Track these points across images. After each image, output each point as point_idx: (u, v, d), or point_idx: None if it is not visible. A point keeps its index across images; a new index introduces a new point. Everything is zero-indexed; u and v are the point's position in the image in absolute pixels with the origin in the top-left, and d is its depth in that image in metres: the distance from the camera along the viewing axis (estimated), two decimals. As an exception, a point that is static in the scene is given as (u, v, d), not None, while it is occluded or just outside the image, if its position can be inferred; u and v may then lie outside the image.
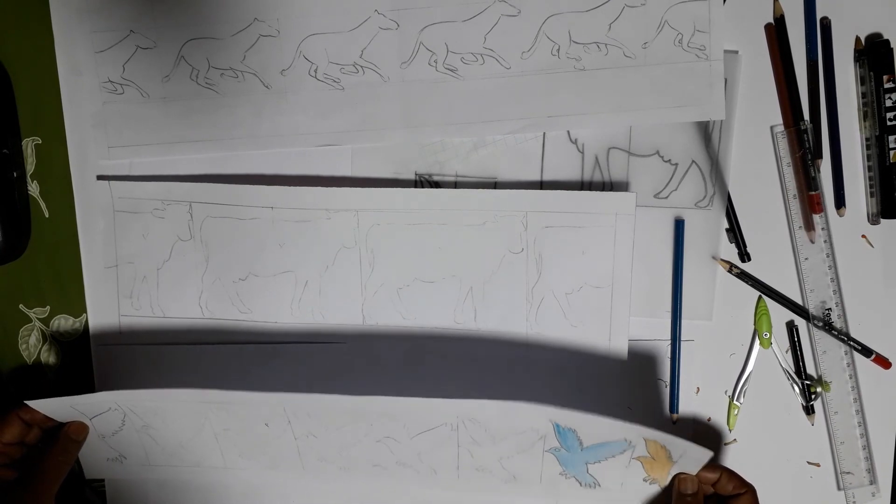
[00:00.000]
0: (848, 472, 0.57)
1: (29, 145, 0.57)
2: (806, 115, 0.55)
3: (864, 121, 0.55)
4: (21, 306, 0.58)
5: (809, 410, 0.57)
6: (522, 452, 0.53)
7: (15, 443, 0.52)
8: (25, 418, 0.52)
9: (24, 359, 0.58)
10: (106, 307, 0.57)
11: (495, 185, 0.56)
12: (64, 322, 0.58)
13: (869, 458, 0.57)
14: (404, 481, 0.56)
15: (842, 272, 0.56)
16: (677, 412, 0.56)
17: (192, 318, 0.57)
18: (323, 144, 0.55)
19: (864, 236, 0.56)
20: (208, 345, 0.57)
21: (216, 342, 0.57)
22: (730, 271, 0.56)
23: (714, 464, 0.51)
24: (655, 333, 0.56)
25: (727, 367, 0.57)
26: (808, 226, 0.55)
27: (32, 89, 0.56)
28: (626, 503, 0.54)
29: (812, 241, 0.55)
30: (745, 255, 0.56)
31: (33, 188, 0.57)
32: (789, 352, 0.57)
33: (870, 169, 0.55)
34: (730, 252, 0.56)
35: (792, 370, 0.57)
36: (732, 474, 0.50)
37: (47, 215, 0.57)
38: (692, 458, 0.50)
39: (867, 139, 0.55)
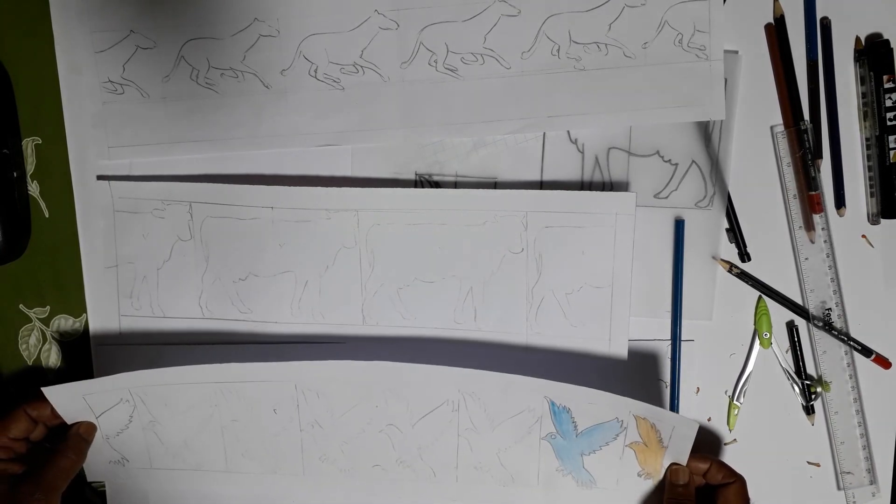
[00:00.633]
0: (848, 472, 0.57)
1: (29, 145, 0.57)
2: (806, 115, 0.55)
3: (864, 121, 0.55)
4: (21, 306, 0.58)
5: (809, 410, 0.57)
6: (520, 442, 0.53)
7: (21, 438, 0.52)
8: (32, 415, 0.52)
9: (24, 359, 0.59)
10: (106, 307, 0.57)
11: (495, 185, 0.56)
12: (64, 322, 0.58)
13: (869, 458, 0.57)
14: (403, 484, 0.56)
15: (842, 272, 0.56)
16: (678, 412, 0.56)
17: (192, 318, 0.57)
18: (323, 144, 0.55)
19: (864, 236, 0.56)
20: (208, 345, 0.57)
21: (216, 342, 0.57)
22: (730, 271, 0.56)
23: (704, 454, 0.52)
24: (655, 333, 0.56)
25: (727, 367, 0.57)
26: (808, 226, 0.55)
27: (32, 89, 0.56)
28: (621, 502, 0.54)
29: (812, 241, 0.55)
30: (745, 255, 0.56)
31: (33, 188, 0.57)
32: (789, 352, 0.57)
33: (870, 169, 0.55)
34: (730, 252, 0.56)
35: (792, 370, 0.57)
36: (722, 464, 0.52)
37: (47, 215, 0.57)
38: (681, 434, 0.51)
39: (867, 139, 0.55)
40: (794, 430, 0.57)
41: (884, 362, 0.56)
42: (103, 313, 0.57)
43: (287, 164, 0.56)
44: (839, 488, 0.57)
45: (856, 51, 0.55)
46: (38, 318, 0.58)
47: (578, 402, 0.52)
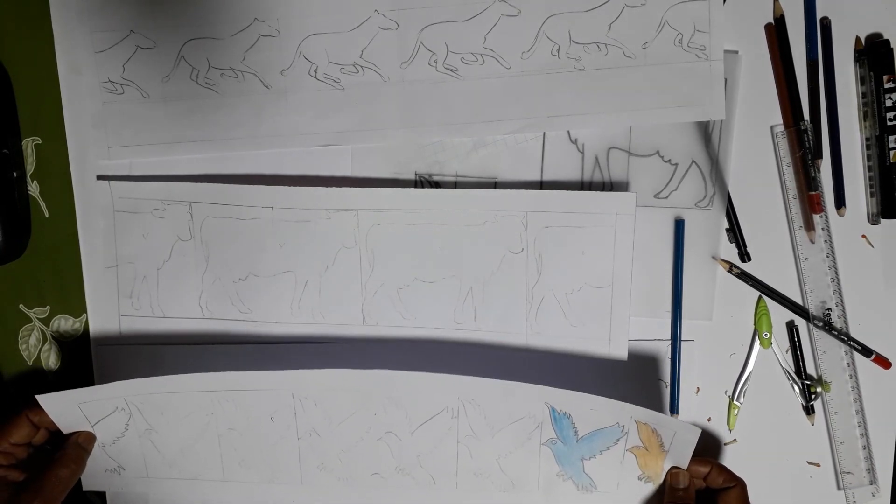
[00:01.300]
0: (848, 472, 0.57)
1: (29, 145, 0.57)
2: (806, 115, 0.55)
3: (864, 121, 0.55)
4: (21, 306, 0.58)
5: (809, 410, 0.57)
6: (520, 447, 0.53)
7: (23, 444, 0.52)
8: (34, 420, 0.52)
9: (24, 359, 0.58)
10: (106, 307, 0.57)
11: (495, 185, 0.56)
12: (64, 322, 0.58)
13: (869, 457, 0.57)
14: (403, 492, 0.56)
15: (842, 272, 0.56)
16: (678, 412, 0.56)
17: (192, 318, 0.57)
18: (323, 144, 0.55)
19: (864, 236, 0.56)
20: (208, 345, 0.57)
21: (216, 342, 0.57)
22: (730, 271, 0.56)
23: (705, 458, 0.52)
24: (655, 333, 0.56)
25: (727, 367, 0.57)
26: (808, 226, 0.55)
27: (32, 89, 0.56)
28: None
29: (812, 241, 0.55)
30: (745, 255, 0.56)
31: (33, 188, 0.57)
32: (789, 352, 0.57)
33: (870, 169, 0.55)
34: (730, 252, 0.56)
35: (792, 370, 0.57)
36: (722, 468, 0.51)
37: (47, 215, 0.57)
38: (682, 439, 0.50)
39: (867, 139, 0.55)
40: (794, 430, 0.57)
41: (884, 362, 0.56)
42: (103, 313, 0.57)
43: (287, 164, 0.56)
44: (839, 488, 0.57)
45: (856, 51, 0.55)
46: (38, 318, 0.58)
47: (579, 408, 0.51)
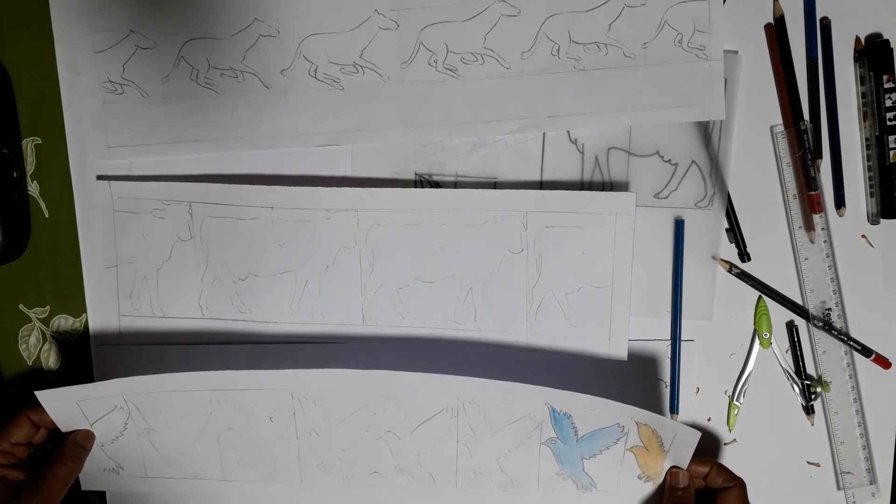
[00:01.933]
0: (848, 472, 0.57)
1: (29, 145, 0.57)
2: (806, 115, 0.55)
3: (864, 121, 0.55)
4: (21, 306, 0.58)
5: (809, 410, 0.57)
6: (519, 447, 0.53)
7: (23, 443, 0.52)
8: (34, 419, 0.52)
9: (24, 359, 0.58)
10: (106, 307, 0.57)
11: (495, 185, 0.56)
12: (64, 322, 0.58)
13: (869, 457, 0.57)
14: (402, 491, 0.56)
15: (842, 272, 0.56)
16: (678, 412, 0.56)
17: (192, 318, 0.57)
18: (323, 144, 0.55)
19: (863, 236, 0.56)
20: (208, 345, 0.57)
21: (216, 342, 0.57)
22: (730, 271, 0.56)
23: (704, 458, 0.52)
24: (655, 333, 0.56)
25: (727, 367, 0.57)
26: (808, 226, 0.55)
27: (32, 89, 0.56)
28: None
29: (812, 241, 0.55)
30: (745, 255, 0.56)
31: (33, 188, 0.57)
32: (789, 352, 0.57)
33: (870, 169, 0.55)
34: (730, 252, 0.56)
35: (792, 370, 0.57)
36: (722, 468, 0.51)
37: (47, 215, 0.57)
38: (682, 442, 0.51)
39: (867, 139, 0.55)
40: (794, 430, 0.57)
41: (884, 362, 0.56)
42: (103, 313, 0.57)
43: (287, 164, 0.56)
44: (839, 488, 0.57)
45: (856, 51, 0.55)
46: (37, 318, 0.58)
47: (579, 409, 0.51)
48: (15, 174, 0.55)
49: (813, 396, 0.57)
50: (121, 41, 0.55)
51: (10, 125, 0.56)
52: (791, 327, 0.57)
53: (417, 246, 0.55)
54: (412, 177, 0.56)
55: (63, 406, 0.52)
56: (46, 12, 0.55)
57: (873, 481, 0.57)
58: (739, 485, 0.51)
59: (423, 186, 0.56)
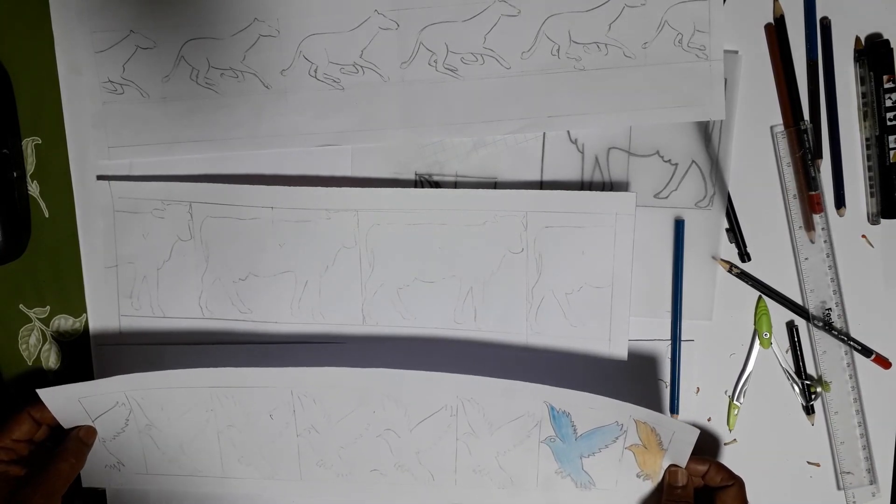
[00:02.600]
0: (848, 472, 0.57)
1: (29, 145, 0.57)
2: (806, 115, 0.55)
3: (864, 121, 0.55)
4: (21, 306, 0.58)
5: (809, 410, 0.57)
6: (519, 445, 0.53)
7: (24, 440, 0.52)
8: (36, 416, 0.52)
9: (24, 359, 0.59)
10: (106, 307, 0.57)
11: (495, 185, 0.56)
12: (64, 322, 0.58)
13: (869, 457, 0.57)
14: (402, 489, 0.56)
15: (842, 272, 0.56)
16: (678, 412, 0.56)
17: (192, 318, 0.57)
18: (323, 144, 0.55)
19: (864, 236, 0.56)
20: (208, 345, 0.57)
21: (216, 342, 0.57)
22: (730, 271, 0.56)
23: (703, 457, 0.52)
24: (655, 333, 0.56)
25: (727, 367, 0.57)
26: (808, 226, 0.55)
27: (32, 89, 0.56)
28: (620, 503, 0.54)
29: (812, 241, 0.55)
30: (745, 255, 0.56)
31: (33, 188, 0.57)
32: (789, 352, 0.57)
33: (870, 169, 0.55)
34: (730, 252, 0.56)
35: (792, 370, 0.57)
36: (721, 466, 0.52)
37: (47, 215, 0.57)
38: (681, 439, 0.51)
39: (867, 139, 0.55)
40: (794, 430, 0.57)
41: (884, 362, 0.56)
42: (103, 313, 0.57)
43: (287, 164, 0.56)
44: (839, 488, 0.57)
45: (856, 51, 0.55)
46: (38, 318, 0.58)
47: (578, 407, 0.52)
48: (15, 174, 0.55)
49: (813, 396, 0.57)
50: (121, 41, 0.55)
51: (10, 125, 0.56)
52: (791, 327, 0.57)
53: (417, 246, 0.55)
54: (412, 177, 0.56)
55: (65, 403, 0.52)
56: (46, 12, 0.55)
57: (873, 481, 0.57)
58: (738, 483, 0.51)
59: (423, 186, 0.56)
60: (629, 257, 0.54)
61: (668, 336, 0.56)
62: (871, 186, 0.55)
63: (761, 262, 0.56)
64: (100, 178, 0.56)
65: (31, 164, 0.57)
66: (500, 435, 0.54)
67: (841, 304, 0.56)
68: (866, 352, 0.56)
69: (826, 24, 0.54)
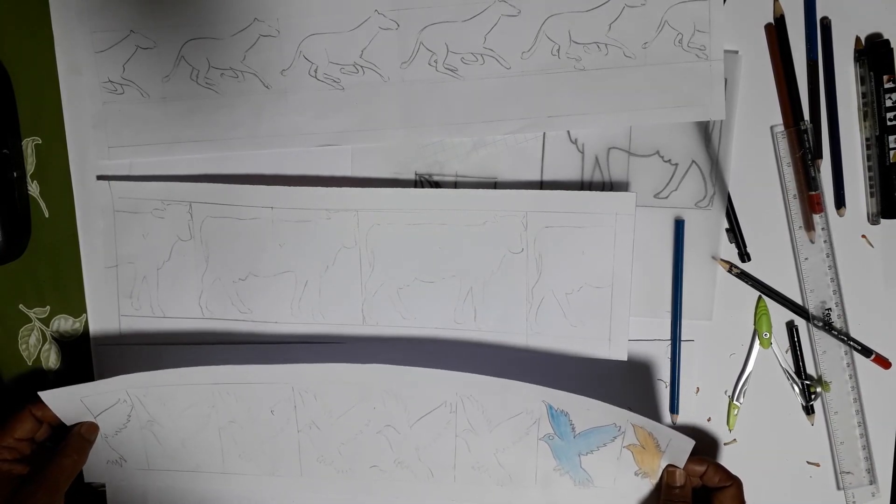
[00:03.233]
0: (848, 472, 0.57)
1: (29, 145, 0.57)
2: (806, 115, 0.55)
3: (864, 121, 0.55)
4: (21, 306, 0.58)
5: (809, 410, 0.57)
6: (517, 442, 0.53)
7: (26, 439, 0.52)
8: (37, 415, 0.52)
9: (24, 359, 0.59)
10: (106, 307, 0.57)
11: (495, 185, 0.56)
12: (64, 322, 0.58)
13: (869, 457, 0.57)
14: (402, 485, 0.56)
15: (842, 272, 0.56)
16: (677, 412, 0.56)
17: (192, 319, 0.57)
18: (323, 144, 0.55)
19: (864, 236, 0.56)
20: (208, 345, 0.57)
21: (216, 342, 0.57)
22: (730, 271, 0.56)
23: (701, 457, 0.52)
24: (655, 333, 0.56)
25: (727, 368, 0.57)
26: (808, 226, 0.55)
27: (32, 89, 0.56)
28: (619, 500, 0.54)
29: (812, 241, 0.55)
30: (745, 255, 0.56)
31: (33, 188, 0.57)
32: (789, 352, 0.57)
33: (870, 169, 0.55)
34: (730, 252, 0.56)
35: (792, 370, 0.57)
36: (719, 467, 0.51)
37: (47, 215, 0.57)
38: (677, 447, 0.51)
39: (867, 139, 0.55)
40: (794, 430, 0.57)
41: (884, 362, 0.56)
42: (103, 313, 0.57)
43: (287, 164, 0.56)
44: (839, 488, 0.57)
45: (856, 51, 0.55)
46: (37, 318, 0.58)
47: (576, 408, 0.52)
48: (15, 174, 0.55)
49: (813, 396, 0.57)
50: (121, 41, 0.55)
51: (10, 125, 0.56)
52: (791, 327, 0.57)
53: (417, 246, 0.55)
54: (412, 177, 0.56)
55: (66, 403, 0.52)
56: (46, 12, 0.55)
57: (873, 481, 0.57)
58: (736, 484, 0.51)
59: (423, 186, 0.56)
60: (629, 257, 0.54)
61: (668, 336, 0.56)
62: (871, 186, 0.55)
63: (761, 262, 0.56)
64: (100, 178, 0.56)
65: (31, 164, 0.57)
66: (498, 432, 0.54)
67: (841, 304, 0.56)
68: (866, 352, 0.56)
69: (826, 24, 0.54)
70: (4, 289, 0.58)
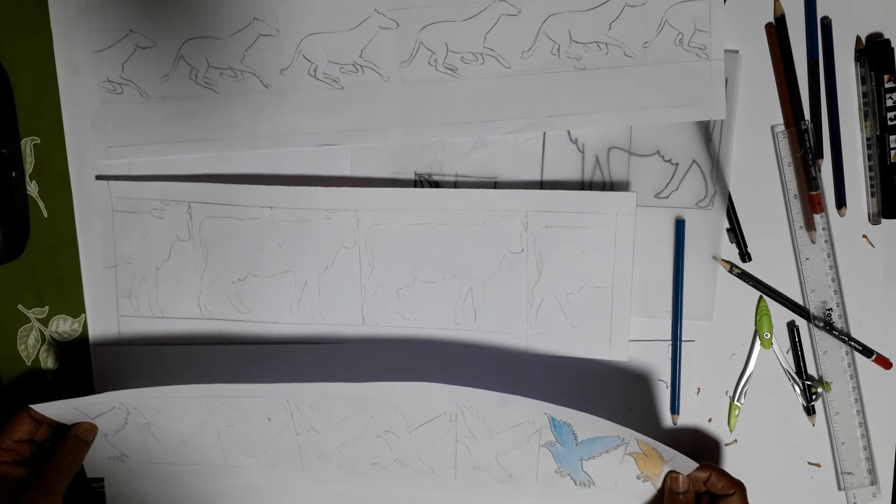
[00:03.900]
0: (849, 473, 0.57)
1: (28, 145, 0.56)
2: (807, 115, 0.55)
3: (865, 120, 0.55)
4: (20, 307, 0.58)
5: (810, 411, 0.57)
6: (519, 447, 0.53)
7: (25, 440, 0.52)
8: (36, 416, 0.52)
9: (22, 359, 0.58)
10: (105, 307, 0.57)
11: (495, 185, 0.56)
12: (63, 322, 0.58)
13: (870, 458, 0.57)
14: (402, 481, 0.56)
15: (842, 272, 0.56)
16: (678, 413, 0.56)
17: (191, 319, 0.57)
18: (322, 144, 0.55)
19: (864, 236, 0.56)
20: (207, 345, 0.57)
21: (215, 342, 0.57)
22: (730, 271, 0.55)
23: (705, 463, 0.52)
24: (656, 334, 0.56)
25: (728, 368, 0.57)
26: (809, 226, 0.55)
27: (31, 89, 0.56)
28: (620, 501, 0.54)
29: (813, 241, 0.55)
30: (745, 255, 0.56)
31: (32, 188, 0.57)
32: (790, 352, 0.57)
33: (870, 169, 0.55)
34: (730, 252, 0.56)
35: (793, 370, 0.57)
36: (722, 473, 0.51)
37: (46, 215, 0.57)
38: (680, 464, 0.51)
39: (868, 139, 0.55)
40: (795, 431, 0.57)
41: (885, 362, 0.56)
42: (102, 314, 0.57)
43: (286, 164, 0.56)
44: (840, 489, 0.57)
45: (856, 50, 0.55)
46: (36, 319, 0.58)
47: (579, 421, 0.51)
48: (14, 174, 0.55)
49: (814, 397, 0.57)
50: (120, 41, 0.54)
51: (9, 125, 0.55)
52: (792, 327, 0.57)
53: (417, 246, 0.55)
54: (412, 177, 0.56)
55: (61, 412, 0.52)
56: (45, 12, 0.55)
57: (874, 482, 0.57)
58: (739, 491, 0.50)
59: (423, 186, 0.56)
60: (629, 257, 0.54)
61: (669, 336, 0.56)
62: (871, 186, 0.55)
63: (762, 262, 0.56)
64: (99, 177, 0.56)
65: (29, 164, 0.57)
66: (500, 439, 0.53)
67: (842, 304, 0.56)
68: (867, 352, 0.56)
69: (827, 24, 0.54)
70: (3, 289, 0.58)
